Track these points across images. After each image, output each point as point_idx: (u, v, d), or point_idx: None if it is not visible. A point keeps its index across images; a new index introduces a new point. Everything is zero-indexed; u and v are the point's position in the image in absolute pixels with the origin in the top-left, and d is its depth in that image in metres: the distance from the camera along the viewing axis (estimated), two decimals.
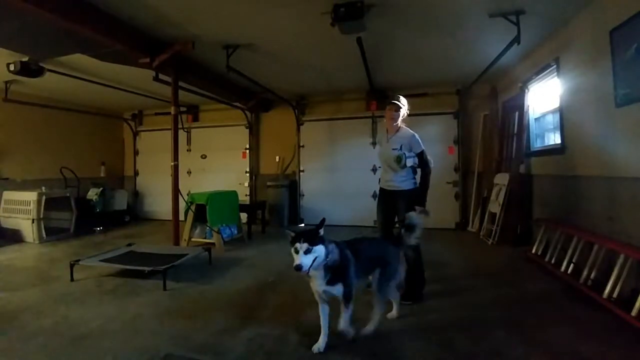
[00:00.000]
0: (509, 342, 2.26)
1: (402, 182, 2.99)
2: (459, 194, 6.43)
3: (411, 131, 3.01)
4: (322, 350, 2.14)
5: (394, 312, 2.61)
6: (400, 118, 3.01)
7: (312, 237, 1.93)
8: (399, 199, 2.98)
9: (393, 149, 2.95)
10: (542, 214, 4.51)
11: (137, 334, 2.42)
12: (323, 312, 2.20)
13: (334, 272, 2.04)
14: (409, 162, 2.88)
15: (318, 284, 2.07)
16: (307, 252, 1.90)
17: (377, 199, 3.22)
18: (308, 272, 1.92)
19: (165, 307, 2.89)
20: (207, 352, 2.17)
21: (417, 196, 2.93)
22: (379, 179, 3.24)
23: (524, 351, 2.14)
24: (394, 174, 3.00)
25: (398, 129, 3.03)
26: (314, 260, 1.92)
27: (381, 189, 3.16)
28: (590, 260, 3.07)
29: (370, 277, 2.40)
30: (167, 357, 2.11)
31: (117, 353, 2.17)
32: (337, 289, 2.07)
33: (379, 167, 3.16)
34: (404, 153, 2.88)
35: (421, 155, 2.94)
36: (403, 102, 3.01)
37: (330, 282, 2.04)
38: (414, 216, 2.56)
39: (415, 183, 3.04)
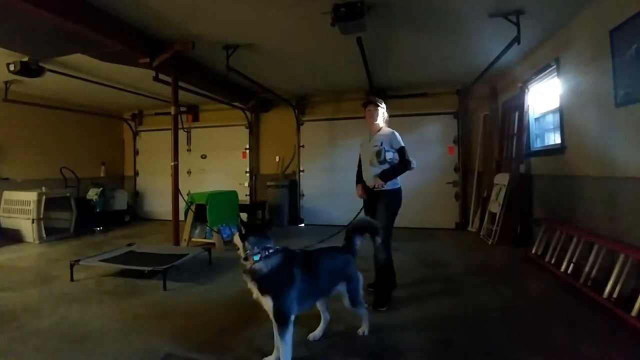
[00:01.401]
0: (509, 341, 2.27)
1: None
2: (459, 194, 6.43)
3: (391, 130, 3.05)
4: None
5: (317, 333, 2.33)
6: (380, 117, 3.07)
7: (248, 228, 2.02)
8: (380, 199, 2.95)
9: (374, 146, 2.97)
10: (542, 214, 4.51)
11: (137, 334, 2.42)
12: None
13: (263, 281, 1.93)
14: (388, 156, 2.89)
15: (251, 288, 2.00)
16: (235, 230, 1.99)
17: (363, 201, 3.17)
18: (223, 239, 2.00)
19: (165, 307, 2.89)
20: (207, 352, 2.17)
21: (387, 175, 2.88)
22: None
23: (523, 351, 2.14)
24: (376, 174, 2.94)
25: (379, 128, 3.08)
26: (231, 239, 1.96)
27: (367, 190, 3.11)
28: (590, 260, 3.07)
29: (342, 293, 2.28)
30: (167, 357, 2.12)
31: (117, 353, 2.17)
32: (267, 302, 1.92)
33: None
34: (383, 147, 2.91)
35: (401, 151, 2.93)
36: (380, 103, 3.09)
37: (261, 291, 1.94)
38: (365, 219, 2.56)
39: (397, 184, 3.00)
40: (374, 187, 2.90)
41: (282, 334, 1.91)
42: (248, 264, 1.97)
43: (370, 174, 2.99)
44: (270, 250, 1.99)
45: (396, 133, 3.00)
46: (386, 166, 2.91)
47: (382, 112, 3.09)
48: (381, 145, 2.93)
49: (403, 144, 2.96)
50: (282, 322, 1.91)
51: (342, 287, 2.25)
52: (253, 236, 1.99)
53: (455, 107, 6.45)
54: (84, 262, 3.70)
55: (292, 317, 1.94)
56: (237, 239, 2.02)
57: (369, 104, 3.08)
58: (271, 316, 1.93)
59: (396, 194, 2.98)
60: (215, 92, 6.17)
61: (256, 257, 1.95)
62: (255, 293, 1.97)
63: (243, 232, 2.00)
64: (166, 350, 2.18)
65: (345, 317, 2.64)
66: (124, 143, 8.56)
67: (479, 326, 2.51)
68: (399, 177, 2.99)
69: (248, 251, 1.96)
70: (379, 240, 2.53)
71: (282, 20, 3.67)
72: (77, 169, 6.75)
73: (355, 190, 3.18)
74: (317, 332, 2.32)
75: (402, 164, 2.92)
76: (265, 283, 1.93)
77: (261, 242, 1.99)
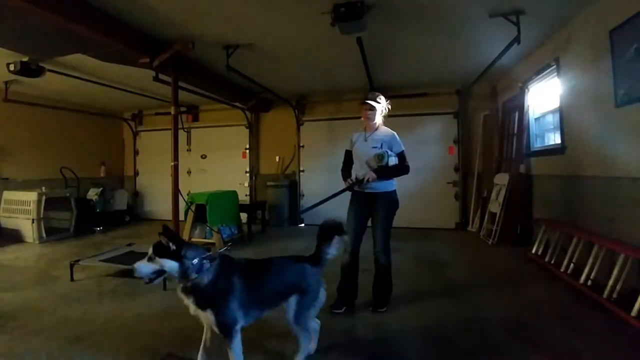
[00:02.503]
0: (509, 342, 2.27)
1: (382, 182, 2.76)
2: (459, 194, 6.43)
3: (392, 130, 2.89)
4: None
5: (311, 347, 2.13)
6: (378, 116, 2.86)
7: (160, 249, 1.79)
8: (378, 202, 2.78)
9: (373, 147, 2.78)
10: (542, 214, 4.51)
11: (137, 334, 2.42)
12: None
13: (201, 295, 1.79)
14: (392, 161, 2.69)
15: (188, 304, 1.84)
16: (149, 260, 1.78)
17: (350, 201, 2.91)
18: (148, 281, 1.79)
19: (165, 307, 2.89)
20: (207, 352, 2.17)
21: (382, 173, 2.71)
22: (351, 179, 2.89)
23: (524, 351, 2.14)
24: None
25: (377, 127, 2.89)
26: (157, 272, 1.78)
27: (355, 191, 2.87)
28: (590, 260, 3.07)
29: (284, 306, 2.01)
30: (167, 357, 2.12)
31: (117, 353, 2.17)
32: (208, 316, 1.79)
33: None
34: (387, 151, 2.71)
35: (402, 155, 2.79)
36: (379, 100, 2.86)
37: (199, 306, 1.79)
38: (333, 221, 2.18)
39: (394, 186, 2.86)
40: (364, 179, 2.69)
41: (230, 345, 1.79)
42: (185, 282, 1.79)
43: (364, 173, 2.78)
44: (208, 261, 1.83)
45: (396, 135, 2.85)
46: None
47: (381, 109, 2.86)
48: (381, 147, 2.77)
49: (403, 148, 2.83)
50: (227, 333, 1.79)
51: (293, 300, 1.99)
52: (190, 250, 1.81)
53: (455, 107, 6.45)
54: (84, 262, 3.70)
55: (238, 327, 1.81)
56: (166, 263, 1.76)
57: (365, 103, 2.83)
58: (215, 329, 1.81)
59: (393, 196, 2.84)
60: (215, 92, 6.17)
61: (194, 274, 1.79)
62: (193, 309, 1.81)
63: (173, 249, 1.76)
64: (166, 350, 2.18)
65: (345, 317, 2.65)
66: (124, 143, 8.56)
67: (479, 326, 2.50)
68: (394, 181, 2.85)
69: (189, 268, 1.77)
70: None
71: (282, 20, 3.67)
72: (77, 169, 6.75)
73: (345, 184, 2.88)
74: (311, 347, 2.13)
75: (402, 169, 2.78)
76: (205, 295, 1.78)
77: (198, 253, 1.82)
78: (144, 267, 1.77)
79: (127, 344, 2.28)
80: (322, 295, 2.08)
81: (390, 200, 2.83)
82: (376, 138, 2.84)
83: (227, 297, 1.80)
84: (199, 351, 1.98)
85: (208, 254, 1.87)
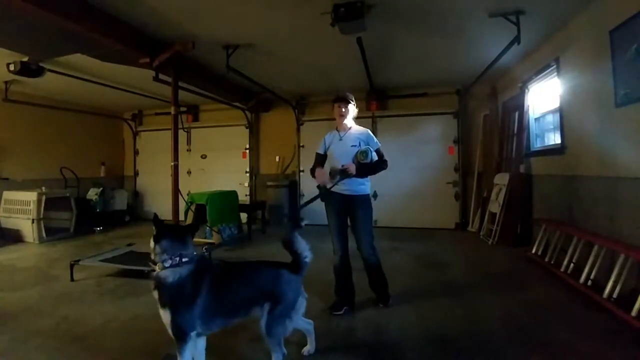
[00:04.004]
0: (509, 341, 2.27)
1: (361, 185, 2.79)
2: (459, 194, 6.43)
3: (364, 128, 2.91)
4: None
5: (309, 347, 2.15)
6: (350, 115, 2.87)
7: (162, 230, 1.79)
8: (357, 205, 2.76)
9: (352, 146, 2.75)
10: (542, 214, 4.51)
11: (137, 334, 2.42)
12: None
13: (164, 292, 1.72)
14: (374, 157, 2.69)
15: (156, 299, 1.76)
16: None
17: (325, 202, 2.86)
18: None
19: None
20: (208, 352, 2.17)
21: (367, 169, 2.70)
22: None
23: (524, 351, 2.14)
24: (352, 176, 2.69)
25: (350, 127, 2.88)
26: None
27: (330, 192, 2.77)
28: (590, 260, 3.07)
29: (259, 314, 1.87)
30: (167, 357, 2.11)
31: (117, 353, 2.18)
32: (165, 315, 1.72)
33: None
34: (369, 148, 2.69)
35: (380, 151, 2.80)
36: (352, 99, 2.87)
37: (161, 301, 1.73)
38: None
39: (370, 187, 2.89)
40: (343, 169, 2.64)
41: (179, 350, 1.73)
42: (156, 269, 1.75)
43: (348, 182, 2.74)
44: (184, 259, 1.76)
45: (370, 132, 2.87)
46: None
47: (353, 109, 2.88)
48: (360, 144, 2.75)
49: (380, 144, 2.85)
50: (180, 338, 1.72)
51: (265, 308, 1.85)
52: (166, 240, 1.77)
53: (455, 107, 6.45)
54: (84, 262, 3.71)
55: (193, 334, 1.75)
56: (151, 241, 1.78)
57: (340, 100, 2.83)
58: (169, 331, 1.74)
59: (369, 199, 2.86)
60: (215, 92, 6.17)
61: (167, 264, 1.74)
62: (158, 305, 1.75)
63: (155, 233, 1.77)
64: (166, 350, 2.18)
65: (345, 318, 2.65)
66: (124, 143, 8.56)
67: (479, 325, 2.51)
68: (369, 183, 2.87)
69: (157, 256, 1.75)
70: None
71: (282, 20, 3.67)
72: (77, 169, 6.75)
73: (316, 178, 2.79)
74: (311, 347, 2.14)
75: (382, 163, 2.79)
76: (167, 294, 1.71)
77: (175, 247, 1.76)
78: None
79: (127, 344, 2.28)
80: (301, 306, 1.98)
81: (369, 203, 2.84)
82: (352, 137, 2.82)
83: (191, 302, 1.73)
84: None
85: (186, 253, 1.78)
